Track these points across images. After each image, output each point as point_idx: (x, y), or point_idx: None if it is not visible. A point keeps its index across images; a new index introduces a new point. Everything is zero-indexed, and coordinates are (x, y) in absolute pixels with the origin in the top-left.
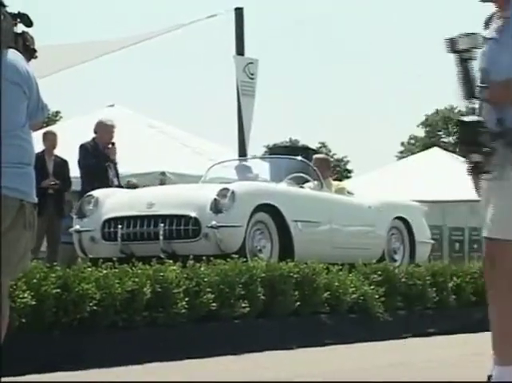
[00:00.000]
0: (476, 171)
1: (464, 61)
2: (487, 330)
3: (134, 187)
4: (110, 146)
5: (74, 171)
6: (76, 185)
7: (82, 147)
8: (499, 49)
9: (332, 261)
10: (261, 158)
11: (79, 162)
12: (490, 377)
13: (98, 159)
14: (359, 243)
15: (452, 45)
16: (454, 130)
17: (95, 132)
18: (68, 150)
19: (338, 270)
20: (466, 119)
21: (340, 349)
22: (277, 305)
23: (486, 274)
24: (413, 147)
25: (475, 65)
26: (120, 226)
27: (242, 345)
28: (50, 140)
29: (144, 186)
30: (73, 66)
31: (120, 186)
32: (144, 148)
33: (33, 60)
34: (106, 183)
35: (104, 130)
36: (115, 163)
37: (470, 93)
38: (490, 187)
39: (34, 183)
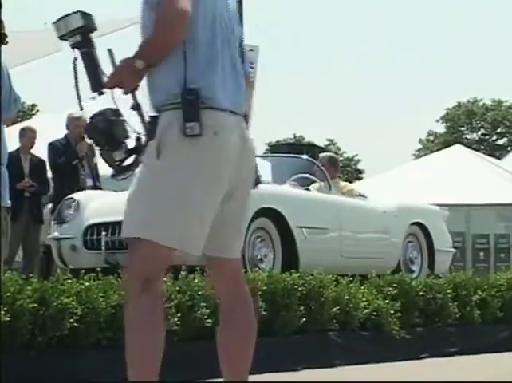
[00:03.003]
0: (124, 171)
1: (83, 45)
2: None
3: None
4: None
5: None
6: None
7: (51, 145)
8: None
9: (342, 272)
10: (263, 157)
11: (48, 162)
12: None
13: (66, 158)
14: (372, 252)
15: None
16: (479, 125)
17: (67, 128)
18: (46, 149)
19: (348, 283)
20: (96, 112)
21: (350, 371)
22: (280, 321)
23: None
24: (432, 144)
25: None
26: (104, 232)
27: None
28: (28, 137)
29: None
30: (51, 54)
31: (96, 187)
32: None
33: (3, 46)
34: (77, 185)
35: (73, 125)
36: (90, 161)
37: (98, 83)
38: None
39: (7, 184)
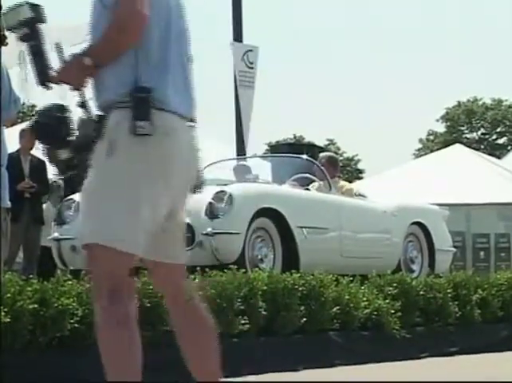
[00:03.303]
0: (68, 170)
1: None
2: None
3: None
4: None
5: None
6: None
7: None
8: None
9: (342, 272)
10: (262, 157)
11: None
12: None
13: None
14: (372, 252)
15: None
16: (479, 124)
17: None
18: None
19: (349, 282)
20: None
21: (351, 371)
22: (281, 321)
23: None
24: (432, 144)
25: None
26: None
27: (240, 366)
28: (28, 138)
29: None
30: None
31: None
32: None
33: (3, 48)
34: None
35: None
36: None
37: (44, 76)
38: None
39: (7, 185)
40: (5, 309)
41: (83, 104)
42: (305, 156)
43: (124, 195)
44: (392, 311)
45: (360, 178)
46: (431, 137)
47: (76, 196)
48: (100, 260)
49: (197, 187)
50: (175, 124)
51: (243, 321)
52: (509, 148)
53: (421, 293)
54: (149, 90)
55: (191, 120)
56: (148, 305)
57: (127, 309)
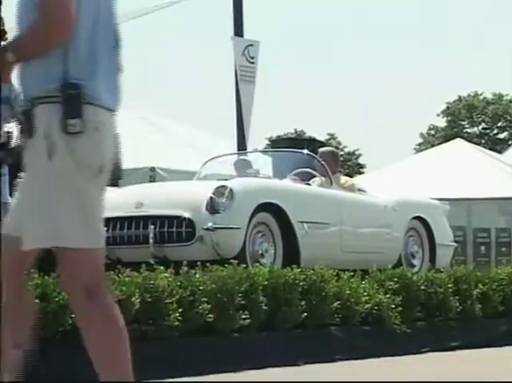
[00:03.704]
0: None
1: None
2: None
3: None
4: None
5: None
6: None
7: None
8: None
9: (343, 267)
10: (263, 152)
11: None
12: None
13: None
14: (373, 247)
15: None
16: (480, 119)
17: None
18: None
19: (349, 277)
20: None
21: (351, 365)
22: (282, 316)
23: None
24: (433, 138)
25: None
26: (105, 228)
27: (241, 361)
28: None
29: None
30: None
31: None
32: (131, 142)
33: (2, 43)
34: None
35: None
36: None
37: None
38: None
39: (7, 180)
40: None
41: (6, 100)
42: (305, 151)
43: (71, 193)
44: (393, 306)
45: (360, 173)
46: (432, 132)
47: None
48: (70, 262)
49: (116, 178)
50: (104, 118)
51: (244, 316)
52: (510, 142)
53: (422, 288)
54: (79, 86)
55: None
56: (149, 300)
57: (106, 303)
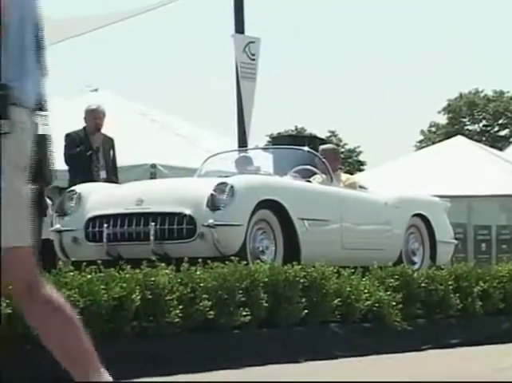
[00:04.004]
0: None
1: None
2: None
3: None
4: (95, 133)
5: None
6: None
7: (67, 136)
8: None
9: (344, 264)
10: (264, 149)
11: (64, 152)
12: None
13: (82, 149)
14: (373, 244)
15: None
16: (481, 116)
17: (85, 121)
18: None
19: (350, 274)
20: None
21: (352, 363)
22: (282, 313)
23: None
24: (434, 135)
25: None
26: (105, 225)
27: (242, 358)
28: None
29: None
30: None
31: (110, 180)
32: (132, 138)
33: None
34: (90, 176)
35: (90, 116)
36: (106, 154)
37: None
38: None
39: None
40: (6, 301)
41: None
42: (306, 148)
43: (7, 194)
44: (394, 303)
45: (361, 170)
46: (433, 129)
47: (78, 188)
48: (10, 261)
49: (47, 181)
50: (27, 119)
51: (244, 313)
52: (511, 139)
53: (422, 285)
54: (6, 87)
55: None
56: (150, 296)
57: (48, 295)
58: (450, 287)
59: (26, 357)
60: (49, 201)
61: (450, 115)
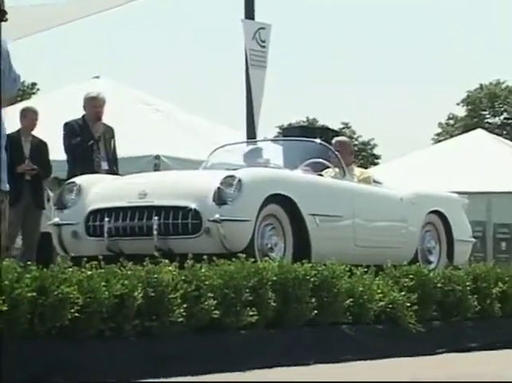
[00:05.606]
0: None
1: None
2: None
3: None
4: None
5: (54, 155)
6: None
7: (66, 125)
8: None
9: (356, 262)
10: (274, 140)
11: (63, 143)
12: None
13: (82, 139)
14: (387, 242)
15: None
16: (502, 109)
17: (84, 109)
18: (46, 129)
19: (363, 273)
20: None
21: (364, 366)
22: (291, 313)
23: None
24: (452, 128)
25: None
26: (107, 219)
27: (249, 359)
28: (30, 118)
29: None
30: (50, 29)
31: (111, 171)
32: (136, 128)
33: (2, 23)
34: (90, 167)
35: (89, 105)
36: (107, 144)
37: None
38: None
39: (6, 167)
40: (3, 297)
41: None
42: (318, 140)
43: None
44: (408, 304)
45: (375, 163)
46: (452, 121)
47: (78, 179)
48: None
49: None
50: None
51: (252, 313)
52: None
53: (439, 285)
54: None
55: None
56: (153, 294)
57: None
58: (468, 288)
59: (29, 354)
60: (50, 193)
61: (469, 107)
